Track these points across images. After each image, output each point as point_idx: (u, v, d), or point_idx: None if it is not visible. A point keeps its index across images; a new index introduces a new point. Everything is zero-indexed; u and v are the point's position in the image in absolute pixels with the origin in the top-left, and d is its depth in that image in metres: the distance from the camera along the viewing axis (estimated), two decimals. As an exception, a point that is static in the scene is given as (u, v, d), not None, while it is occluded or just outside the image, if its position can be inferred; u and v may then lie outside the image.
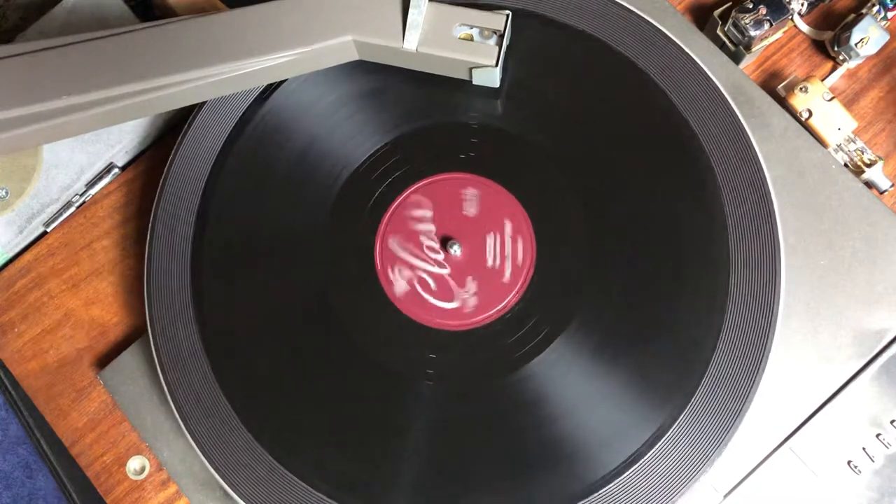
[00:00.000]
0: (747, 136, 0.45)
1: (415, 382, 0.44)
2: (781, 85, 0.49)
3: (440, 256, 0.46)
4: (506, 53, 0.46)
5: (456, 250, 0.45)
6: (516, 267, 0.45)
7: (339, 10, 0.46)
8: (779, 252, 0.43)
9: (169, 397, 0.44)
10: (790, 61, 0.51)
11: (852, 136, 0.48)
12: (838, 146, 0.48)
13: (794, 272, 0.45)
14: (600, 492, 0.41)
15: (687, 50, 0.47)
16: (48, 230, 0.51)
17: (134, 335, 0.49)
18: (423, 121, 0.48)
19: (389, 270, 0.46)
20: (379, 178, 0.47)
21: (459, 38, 0.46)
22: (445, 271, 0.45)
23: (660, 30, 0.47)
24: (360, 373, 0.44)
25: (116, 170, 0.51)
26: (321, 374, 0.44)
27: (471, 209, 0.46)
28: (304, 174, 0.48)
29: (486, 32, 0.46)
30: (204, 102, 0.48)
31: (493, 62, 0.45)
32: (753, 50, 0.48)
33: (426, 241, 0.46)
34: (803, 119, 0.47)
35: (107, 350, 0.49)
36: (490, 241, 0.46)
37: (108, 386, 0.47)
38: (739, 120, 0.45)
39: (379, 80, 0.49)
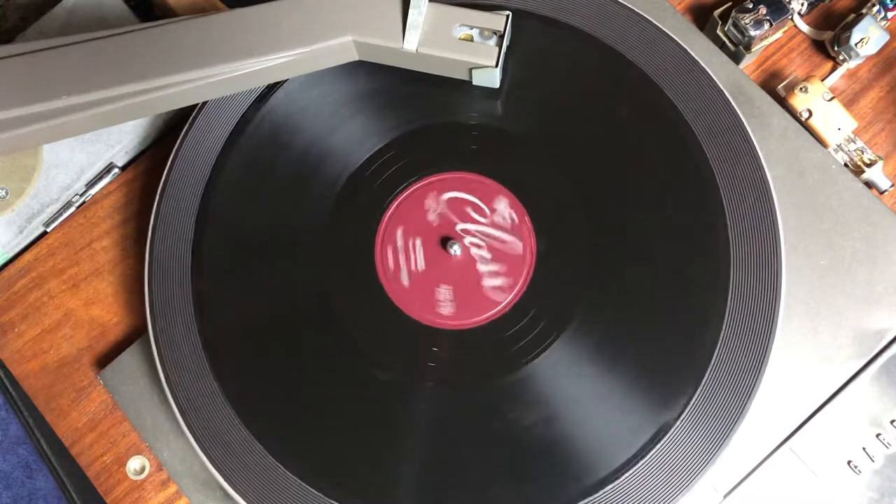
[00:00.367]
0: (748, 135, 0.45)
1: (415, 383, 0.44)
2: (781, 85, 0.49)
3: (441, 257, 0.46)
4: (506, 54, 0.46)
5: (456, 250, 0.45)
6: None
7: (339, 10, 0.46)
8: (779, 252, 0.43)
9: (169, 397, 0.44)
10: (790, 61, 0.51)
11: (852, 136, 0.48)
12: (838, 146, 0.48)
13: (794, 272, 0.45)
14: (600, 492, 0.41)
15: (687, 50, 0.47)
16: (48, 230, 0.51)
17: (134, 335, 0.49)
18: (423, 121, 0.48)
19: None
20: (379, 178, 0.47)
21: (459, 39, 0.46)
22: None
23: (660, 29, 0.47)
24: (359, 373, 0.44)
25: (116, 170, 0.51)
26: (321, 374, 0.44)
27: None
28: (304, 174, 0.47)
29: (486, 33, 0.46)
30: (204, 102, 0.48)
31: (493, 63, 0.45)
32: (753, 50, 0.48)
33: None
34: (803, 119, 0.47)
35: (107, 350, 0.49)
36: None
37: (108, 386, 0.47)
38: (740, 120, 0.45)
39: (379, 80, 0.49)
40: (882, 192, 0.48)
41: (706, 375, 0.42)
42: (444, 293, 0.45)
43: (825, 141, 0.47)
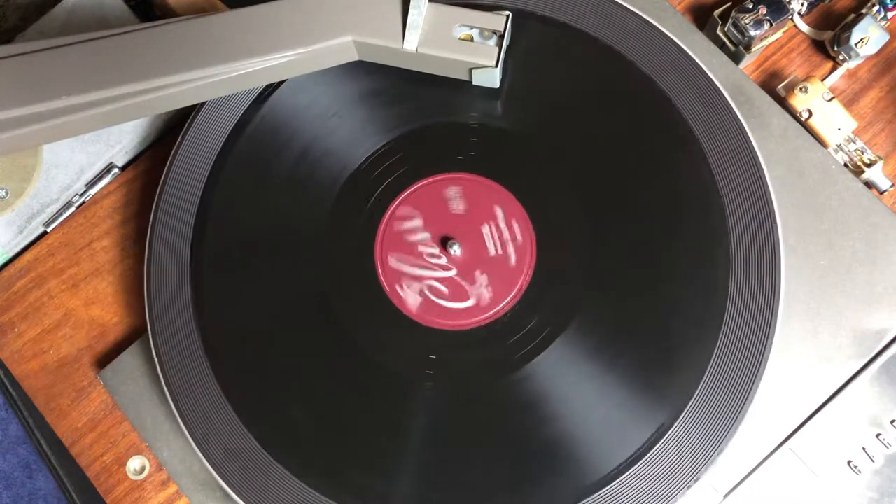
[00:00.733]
0: (747, 136, 0.45)
1: (415, 383, 0.44)
2: (781, 85, 0.49)
3: (442, 260, 0.46)
4: (506, 54, 0.46)
5: (456, 250, 0.45)
6: (518, 248, 0.45)
7: (339, 10, 0.46)
8: (779, 252, 0.43)
9: (169, 397, 0.44)
10: (790, 61, 0.51)
11: (852, 136, 0.48)
12: (838, 146, 0.48)
13: (794, 272, 0.45)
14: (600, 492, 0.41)
15: (687, 50, 0.47)
16: (48, 230, 0.51)
17: (134, 335, 0.49)
18: (423, 121, 0.48)
19: (389, 267, 0.46)
20: (379, 177, 0.47)
21: (459, 39, 0.46)
22: (452, 273, 0.45)
23: (660, 30, 0.47)
24: (360, 373, 0.44)
25: (116, 170, 0.51)
26: (321, 374, 0.44)
27: (458, 206, 0.46)
28: (303, 174, 0.48)
29: (486, 33, 0.46)
30: (204, 102, 0.48)
31: (493, 63, 0.45)
32: (753, 50, 0.48)
33: (425, 249, 0.46)
34: (803, 119, 0.47)
35: (107, 350, 0.49)
36: (486, 230, 0.46)
37: (108, 386, 0.47)
38: (739, 120, 0.45)
39: (379, 80, 0.49)
40: (882, 192, 0.48)
41: (706, 375, 0.42)
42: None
43: (825, 141, 0.47)
